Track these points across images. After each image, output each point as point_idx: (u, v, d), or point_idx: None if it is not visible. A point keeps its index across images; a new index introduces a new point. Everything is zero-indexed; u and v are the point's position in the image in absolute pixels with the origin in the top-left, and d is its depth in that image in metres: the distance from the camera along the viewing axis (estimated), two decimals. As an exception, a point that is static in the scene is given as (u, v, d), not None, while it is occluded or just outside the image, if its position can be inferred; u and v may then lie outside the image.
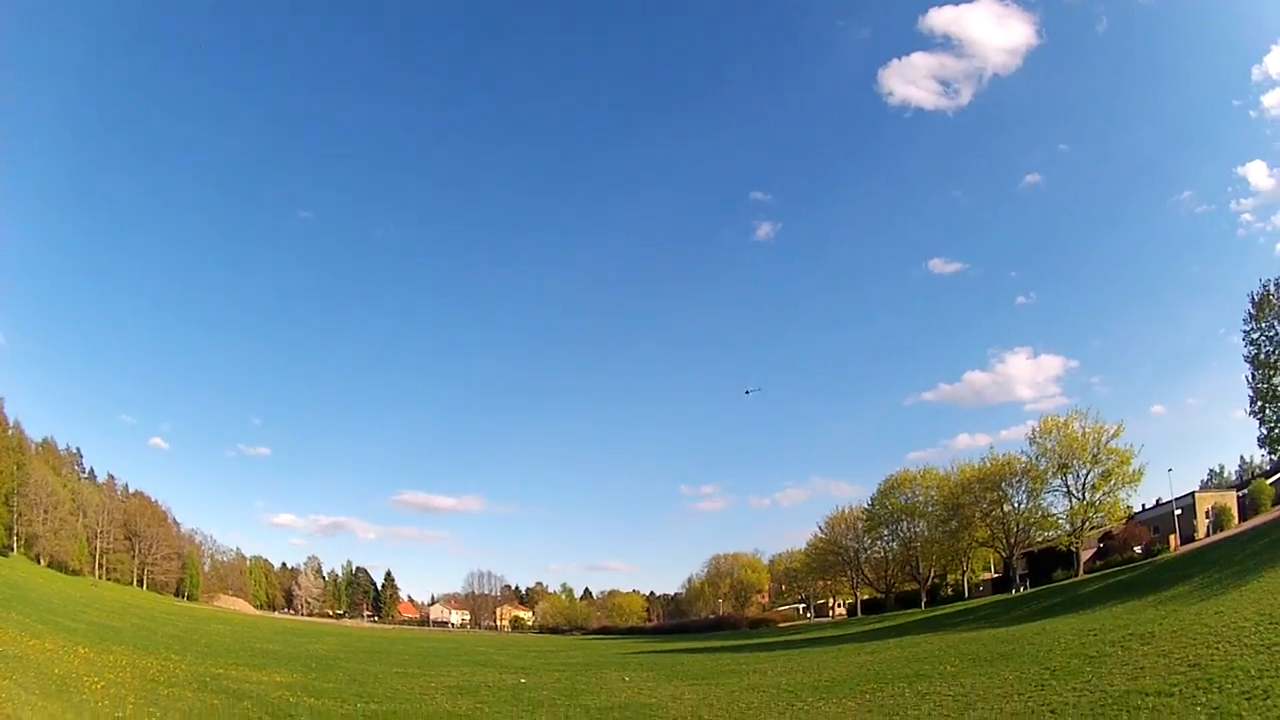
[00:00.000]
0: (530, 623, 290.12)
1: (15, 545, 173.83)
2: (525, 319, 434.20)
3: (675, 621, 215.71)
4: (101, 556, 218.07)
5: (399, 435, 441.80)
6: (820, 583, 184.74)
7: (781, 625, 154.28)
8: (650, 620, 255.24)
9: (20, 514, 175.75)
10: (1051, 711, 26.49)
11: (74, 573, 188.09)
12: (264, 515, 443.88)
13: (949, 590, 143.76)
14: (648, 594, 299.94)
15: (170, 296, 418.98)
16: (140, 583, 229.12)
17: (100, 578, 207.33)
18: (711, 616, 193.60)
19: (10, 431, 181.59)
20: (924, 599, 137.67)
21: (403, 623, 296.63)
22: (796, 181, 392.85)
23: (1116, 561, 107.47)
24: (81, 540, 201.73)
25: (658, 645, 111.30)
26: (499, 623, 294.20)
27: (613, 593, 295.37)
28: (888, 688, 37.15)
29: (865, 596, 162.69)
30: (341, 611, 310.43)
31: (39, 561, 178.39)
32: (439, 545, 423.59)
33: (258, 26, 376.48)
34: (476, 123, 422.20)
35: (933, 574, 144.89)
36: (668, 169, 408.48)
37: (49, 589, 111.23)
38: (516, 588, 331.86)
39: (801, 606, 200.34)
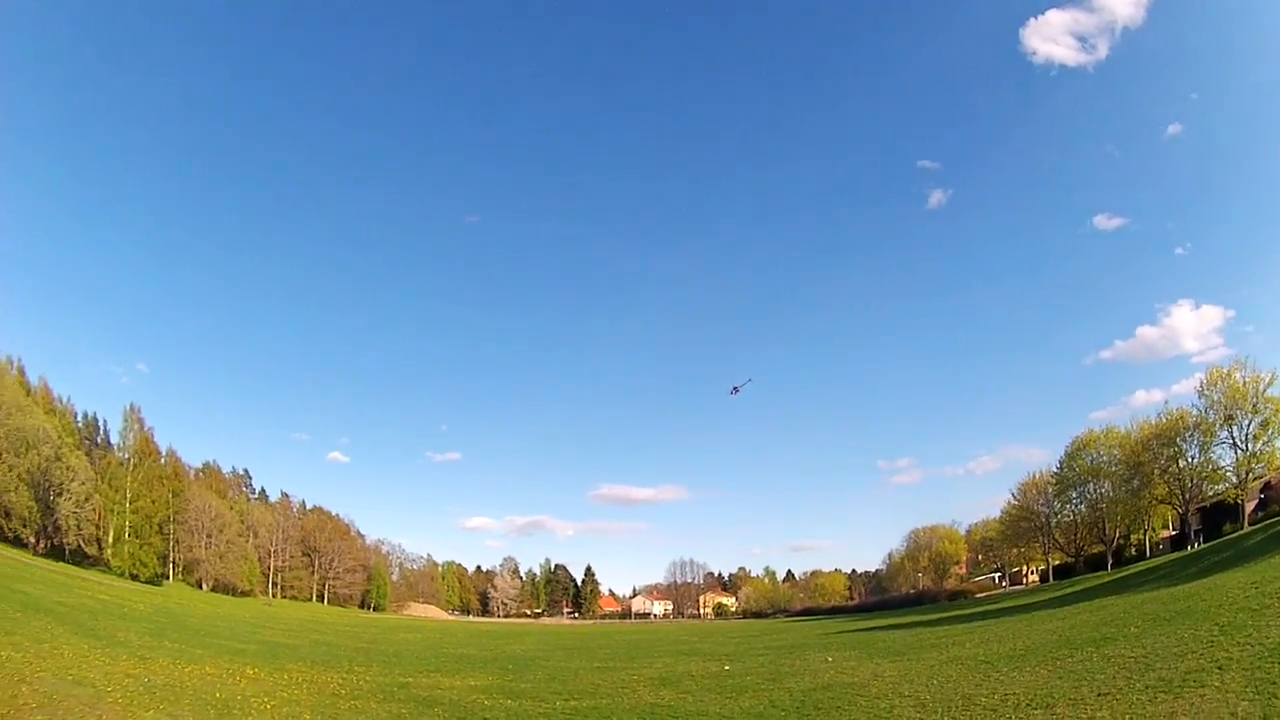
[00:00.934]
0: (733, 608, 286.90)
1: (172, 573, 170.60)
2: (709, 304, 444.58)
3: (876, 598, 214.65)
4: (276, 575, 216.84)
5: (594, 431, 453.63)
6: (1014, 550, 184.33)
7: (979, 595, 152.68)
8: (852, 598, 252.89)
9: (178, 541, 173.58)
10: (1219, 668, 27.45)
11: (244, 594, 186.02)
12: (456, 520, 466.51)
13: (1132, 550, 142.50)
14: (849, 572, 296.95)
15: (338, 313, 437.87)
16: (320, 598, 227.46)
17: (275, 596, 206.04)
18: (911, 591, 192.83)
19: (164, 460, 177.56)
20: (1109, 560, 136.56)
21: (604, 617, 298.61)
22: (961, 148, 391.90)
23: (1275, 512, 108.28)
24: (252, 561, 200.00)
25: (859, 623, 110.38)
26: (702, 610, 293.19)
27: (815, 573, 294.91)
28: (1077, 653, 37.71)
29: (1056, 562, 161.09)
30: (540, 610, 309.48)
31: (201, 586, 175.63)
32: (639, 537, 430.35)
33: (432, 46, 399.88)
34: (633, 113, 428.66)
35: (1117, 535, 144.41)
36: (837, 145, 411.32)
37: (212, 612, 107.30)
38: (719, 574, 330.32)
39: (997, 575, 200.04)
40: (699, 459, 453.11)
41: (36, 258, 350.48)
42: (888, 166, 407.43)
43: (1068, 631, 47.91)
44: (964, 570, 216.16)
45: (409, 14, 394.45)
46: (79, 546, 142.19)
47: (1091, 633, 44.45)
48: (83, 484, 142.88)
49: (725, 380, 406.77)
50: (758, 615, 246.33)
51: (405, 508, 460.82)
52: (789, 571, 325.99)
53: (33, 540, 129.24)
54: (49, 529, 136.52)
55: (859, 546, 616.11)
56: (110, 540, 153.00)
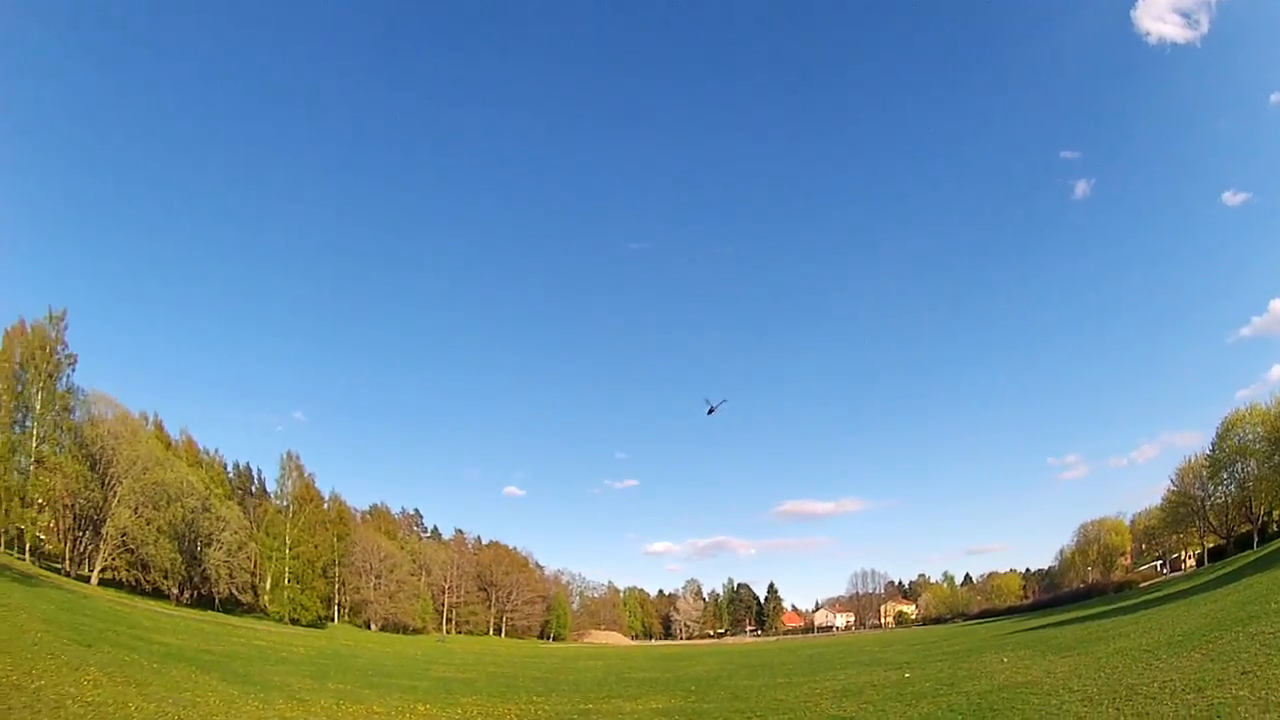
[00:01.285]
0: (913, 615, 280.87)
1: (337, 615, 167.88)
2: (874, 316, 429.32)
3: (1049, 595, 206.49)
4: (450, 611, 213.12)
5: (773, 448, 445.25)
6: (1174, 536, 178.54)
7: (1142, 585, 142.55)
8: (1026, 597, 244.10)
9: (344, 583, 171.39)
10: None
11: (415, 632, 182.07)
12: (637, 546, 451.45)
13: (1275, 526, 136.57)
14: (1023, 571, 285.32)
15: (506, 350, 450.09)
16: (498, 631, 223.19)
17: (449, 632, 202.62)
18: (1081, 585, 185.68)
19: (327, 504, 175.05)
20: (1255, 539, 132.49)
21: (786, 633, 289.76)
22: (1098, 135, 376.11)
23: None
24: (425, 598, 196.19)
25: (1032, 622, 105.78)
26: (883, 620, 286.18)
27: (991, 574, 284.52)
28: (1226, 634, 37.22)
29: (1210, 545, 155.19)
30: (723, 630, 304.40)
31: (369, 627, 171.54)
32: (820, 551, 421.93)
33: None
34: (780, 122, 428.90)
35: (1263, 512, 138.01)
36: (981, 143, 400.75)
37: (380, 651, 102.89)
38: (899, 582, 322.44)
39: (1159, 563, 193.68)
40: (877, 469, 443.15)
41: (181, 311, 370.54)
42: (1032, 160, 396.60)
43: (1218, 614, 48.15)
44: (1129, 560, 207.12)
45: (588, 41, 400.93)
46: (231, 595, 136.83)
47: (1238, 612, 45.28)
48: (235, 533, 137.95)
49: (894, 388, 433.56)
50: (937, 621, 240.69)
51: (585, 537, 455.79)
52: (966, 575, 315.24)
53: (175, 592, 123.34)
54: (195, 579, 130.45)
55: (1033, 545, 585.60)
56: (267, 587, 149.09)
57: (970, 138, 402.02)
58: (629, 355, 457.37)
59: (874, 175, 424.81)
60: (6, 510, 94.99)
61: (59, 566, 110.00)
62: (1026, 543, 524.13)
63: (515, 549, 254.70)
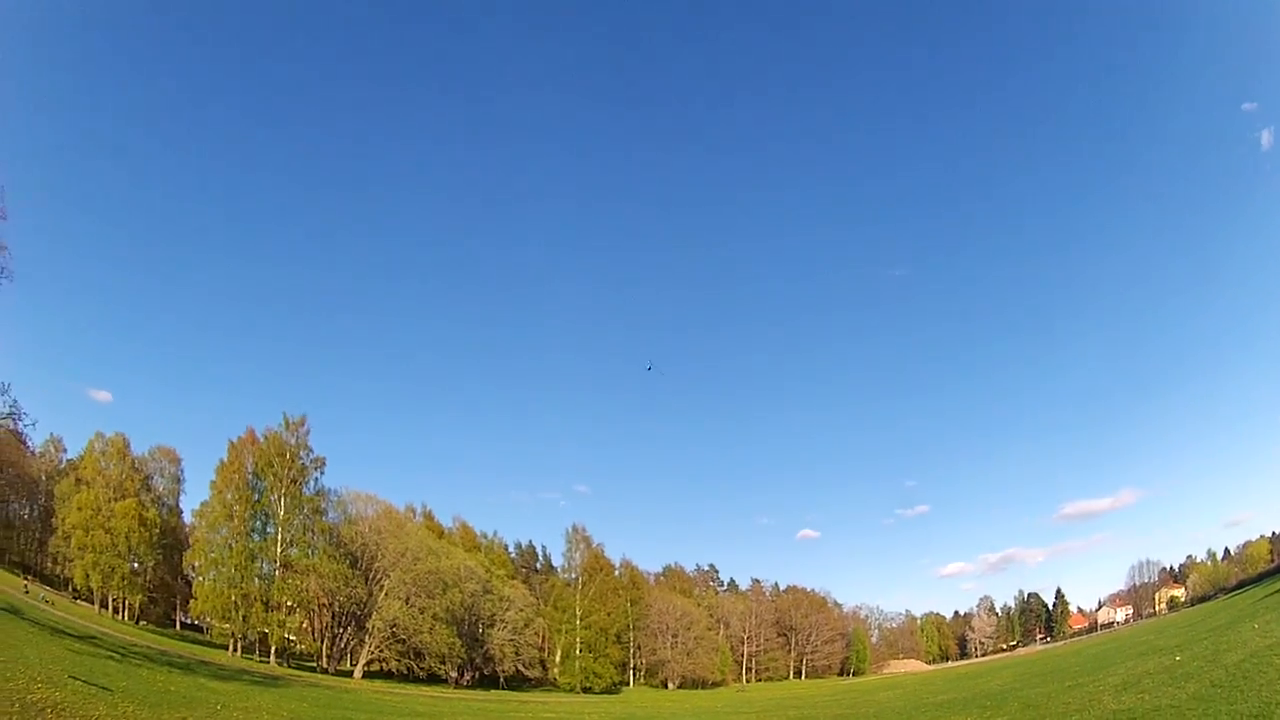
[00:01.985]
0: (1182, 598, 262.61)
1: (632, 678, 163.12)
2: (1111, 301, 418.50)
3: None
4: (750, 660, 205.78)
5: (1051, 450, 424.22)
6: None
7: None
8: (1273, 561, 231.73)
9: (639, 646, 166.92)
10: None
11: (714, 685, 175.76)
12: (931, 570, 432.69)
13: None
14: (1270, 535, 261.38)
15: (786, 395, 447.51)
16: (797, 674, 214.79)
17: (749, 681, 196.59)
18: None
19: (618, 572, 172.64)
20: None
21: (1072, 636, 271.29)
22: (1274, 82, 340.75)
23: None
24: (723, 651, 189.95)
25: (1276, 585, 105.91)
26: (1156, 607, 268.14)
27: (1245, 545, 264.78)
28: None
29: None
30: (1015, 642, 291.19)
31: (666, 686, 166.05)
32: (1102, 548, 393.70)
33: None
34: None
35: None
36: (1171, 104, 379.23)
37: (678, 709, 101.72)
38: (1170, 567, 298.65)
39: None
40: (1144, 456, 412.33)
41: (453, 402, 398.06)
42: (1215, 111, 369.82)
43: None
44: None
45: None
46: (517, 671, 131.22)
47: None
48: (520, 611, 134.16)
49: (1150, 374, 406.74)
50: (1203, 600, 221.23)
51: (880, 569, 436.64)
52: (1226, 549, 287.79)
53: (455, 675, 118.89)
54: (476, 661, 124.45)
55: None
56: (557, 659, 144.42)
57: (1157, 103, 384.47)
58: (912, 383, 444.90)
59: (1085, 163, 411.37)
60: (245, 615, 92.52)
61: (313, 665, 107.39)
62: (1275, 506, 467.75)
63: (813, 590, 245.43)
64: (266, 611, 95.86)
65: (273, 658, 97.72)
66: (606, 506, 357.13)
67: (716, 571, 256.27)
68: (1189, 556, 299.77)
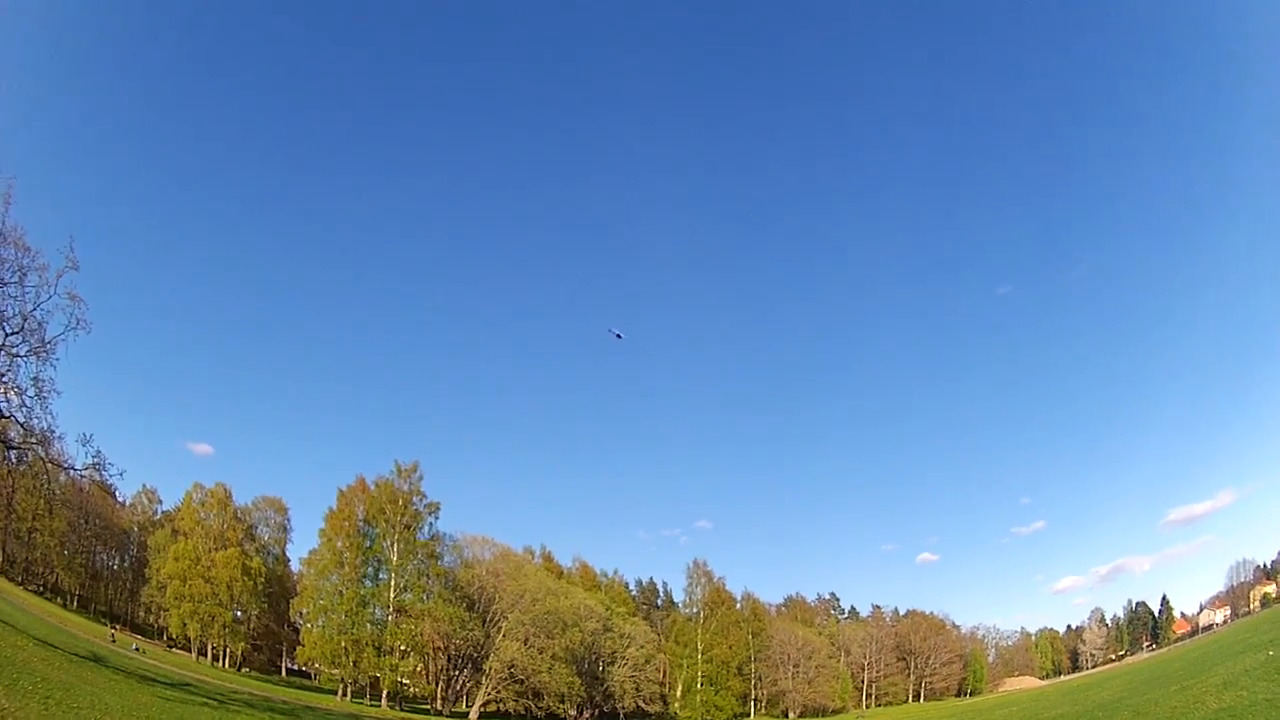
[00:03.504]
0: (1274, 594, 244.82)
1: (753, 710, 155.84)
2: (1209, 300, 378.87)
3: None
4: (870, 686, 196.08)
5: (1153, 455, 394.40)
6: None
7: None
8: None
9: (760, 677, 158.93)
10: None
11: (835, 712, 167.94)
12: (1045, 586, 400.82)
13: None
14: None
15: (905, 421, 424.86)
16: (917, 696, 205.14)
17: (869, 706, 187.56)
18: None
19: (740, 605, 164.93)
20: None
21: (1176, 641, 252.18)
22: None
23: None
24: (844, 678, 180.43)
25: None
26: (1250, 605, 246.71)
27: None
28: None
29: None
30: (1123, 652, 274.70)
31: (787, 715, 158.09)
32: (1206, 551, 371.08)
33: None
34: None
35: None
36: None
37: None
38: (1264, 565, 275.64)
39: None
40: (1241, 455, 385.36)
41: (565, 448, 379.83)
42: None
43: None
44: None
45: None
46: (637, 707, 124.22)
47: None
48: (641, 648, 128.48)
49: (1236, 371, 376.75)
50: None
51: (995, 587, 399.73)
52: None
53: (574, 714, 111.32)
54: (596, 698, 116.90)
55: None
56: (678, 694, 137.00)
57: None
58: (1023, 400, 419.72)
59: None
60: (356, 661, 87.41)
61: (426, 708, 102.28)
62: None
63: (932, 614, 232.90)
64: (378, 656, 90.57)
65: (384, 701, 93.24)
66: (728, 540, 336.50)
67: (837, 599, 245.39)
68: None
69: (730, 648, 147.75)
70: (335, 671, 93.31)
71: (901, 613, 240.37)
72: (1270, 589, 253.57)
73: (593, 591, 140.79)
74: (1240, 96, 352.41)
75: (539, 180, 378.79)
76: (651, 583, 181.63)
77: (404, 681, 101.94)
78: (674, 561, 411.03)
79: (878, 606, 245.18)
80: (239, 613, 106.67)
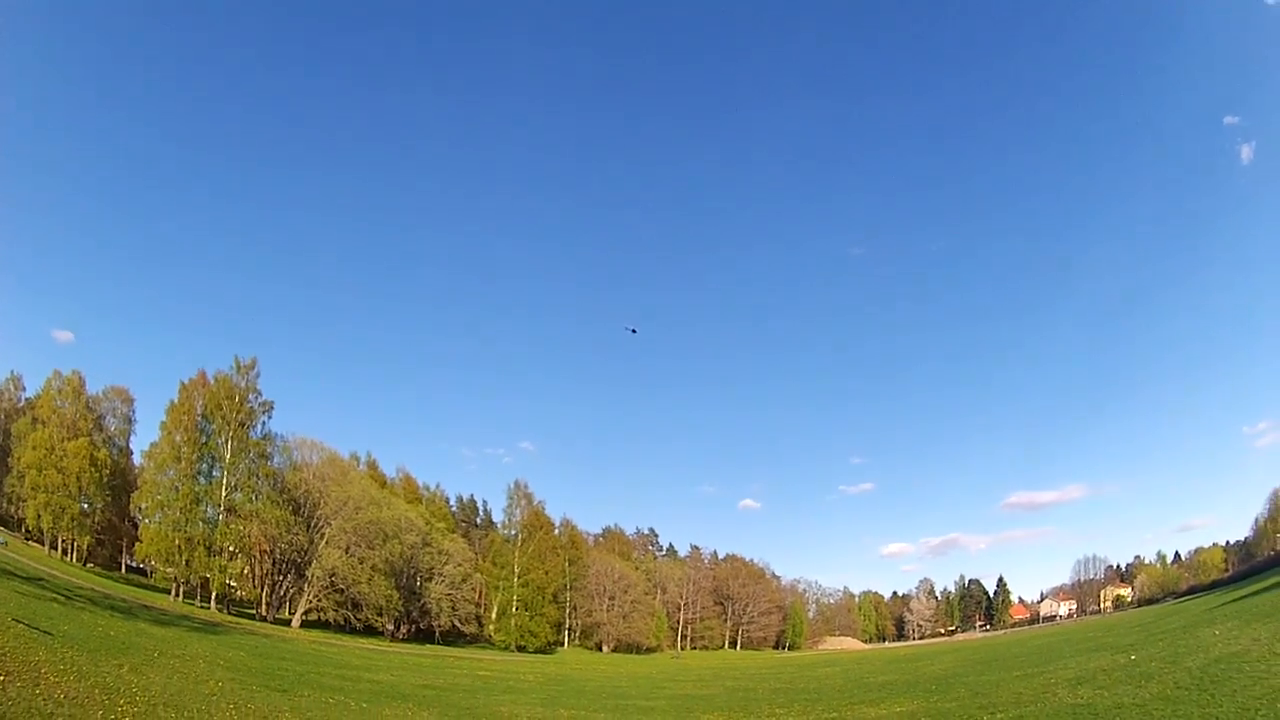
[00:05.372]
0: (1129, 598, 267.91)
1: (567, 639, 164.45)
2: (1077, 299, 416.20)
3: (1244, 566, 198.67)
4: (685, 628, 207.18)
5: (1001, 441, 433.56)
6: None
7: None
8: (1227, 570, 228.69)
9: (575, 607, 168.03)
10: None
11: (649, 650, 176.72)
12: (872, 549, 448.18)
13: None
14: (1224, 544, 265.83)
15: (738, 364, 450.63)
16: (733, 644, 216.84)
17: (684, 648, 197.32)
18: (1272, 553, 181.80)
19: (558, 531, 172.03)
20: None
21: (1013, 625, 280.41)
22: (1253, 97, 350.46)
23: None
24: (660, 617, 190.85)
25: (1234, 594, 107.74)
26: (1101, 605, 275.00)
27: (1197, 551, 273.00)
28: None
29: None
30: (954, 627, 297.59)
31: (601, 649, 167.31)
32: (1047, 540, 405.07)
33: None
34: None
35: None
36: (1153, 114, 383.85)
37: (614, 673, 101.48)
38: (1117, 566, 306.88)
39: None
40: (1094, 454, 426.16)
41: (404, 353, 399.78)
42: (1197, 124, 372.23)
43: None
44: None
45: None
46: (453, 627, 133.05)
47: None
48: (458, 565, 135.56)
49: (1103, 375, 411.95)
50: (1151, 602, 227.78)
51: (820, 544, 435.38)
52: (1176, 553, 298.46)
53: (391, 628, 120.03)
54: (413, 614, 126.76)
55: (1234, 517, 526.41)
56: (493, 616, 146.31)
57: (1139, 112, 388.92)
58: (862, 360, 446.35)
59: (1063, 166, 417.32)
60: (188, 560, 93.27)
61: (252, 612, 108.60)
62: (1230, 515, 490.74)
63: (752, 561, 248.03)
64: (209, 557, 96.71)
65: (213, 604, 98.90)
66: (551, 465, 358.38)
67: (656, 536, 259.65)
68: (1137, 557, 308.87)
69: (547, 574, 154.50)
70: (169, 570, 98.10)
71: (721, 556, 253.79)
72: (1125, 592, 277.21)
73: (414, 504, 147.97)
74: (1098, 88, 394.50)
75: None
76: (472, 500, 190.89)
77: (232, 584, 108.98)
78: (496, 481, 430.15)
79: (696, 547, 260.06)
80: (86, 505, 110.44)
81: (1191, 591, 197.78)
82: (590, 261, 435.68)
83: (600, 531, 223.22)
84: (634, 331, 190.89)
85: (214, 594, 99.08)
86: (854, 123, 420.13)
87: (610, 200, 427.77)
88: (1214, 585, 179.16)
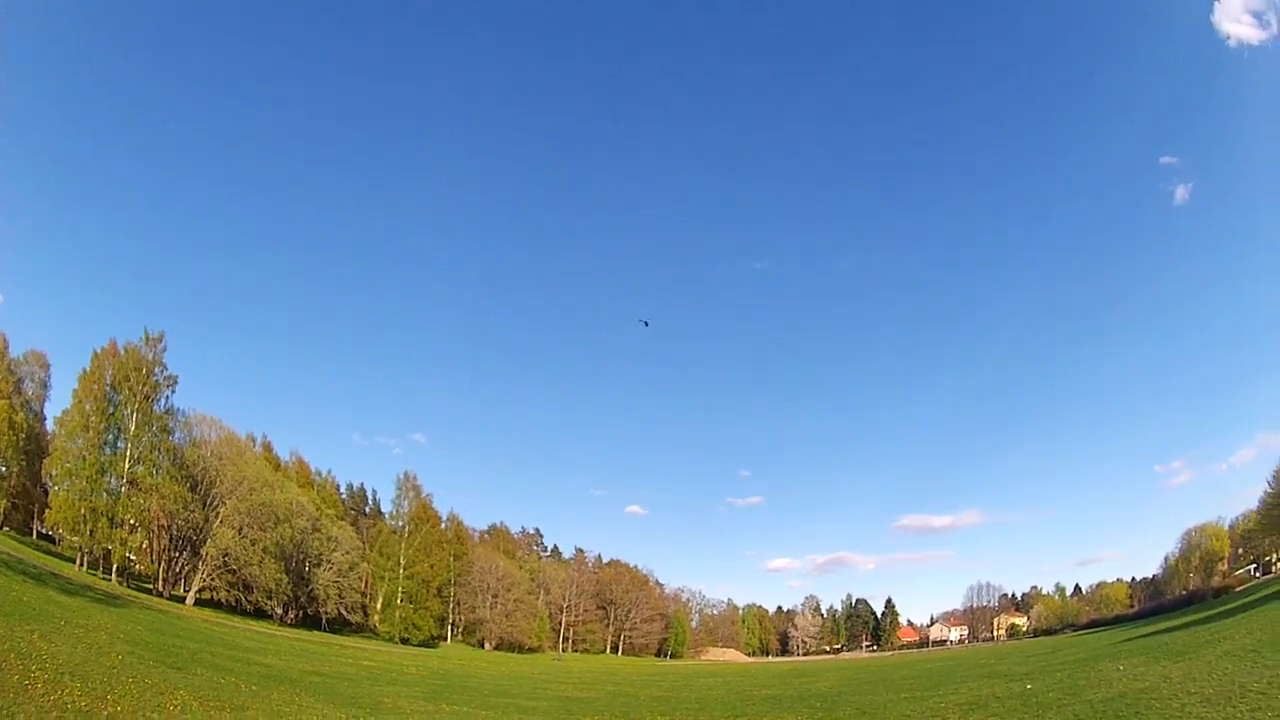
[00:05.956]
0: (1025, 628, 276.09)
1: (450, 634, 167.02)
2: (989, 328, 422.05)
3: (1153, 604, 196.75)
4: (567, 630, 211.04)
5: (895, 463, 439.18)
6: (1267, 540, 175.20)
7: (1238, 589, 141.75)
8: (1132, 606, 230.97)
9: (459, 602, 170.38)
10: None
11: (531, 650, 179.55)
12: (758, 563, 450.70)
13: None
14: (1130, 580, 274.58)
15: (633, 367, 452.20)
16: (614, 649, 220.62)
17: (566, 651, 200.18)
18: (1183, 593, 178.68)
19: (445, 525, 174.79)
20: None
21: (901, 647, 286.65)
22: (1194, 139, 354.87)
23: None
24: (542, 617, 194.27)
25: (1140, 630, 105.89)
26: (995, 633, 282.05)
27: (1100, 585, 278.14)
28: None
29: None
30: (840, 645, 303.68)
31: (483, 646, 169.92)
32: (939, 564, 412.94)
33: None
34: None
35: None
36: (1088, 152, 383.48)
37: (496, 671, 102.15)
38: (1012, 595, 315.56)
39: (1252, 567, 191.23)
40: (995, 482, 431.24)
41: (300, 337, 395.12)
42: (1133, 166, 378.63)
43: None
44: (1226, 566, 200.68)
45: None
46: (340, 615, 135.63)
47: None
48: (346, 553, 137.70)
49: (1010, 400, 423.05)
50: (1048, 633, 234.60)
51: (706, 554, 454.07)
52: (1076, 586, 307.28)
53: (280, 612, 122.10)
54: (301, 599, 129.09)
55: (1142, 554, 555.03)
56: (379, 607, 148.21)
57: (1075, 148, 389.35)
58: (753, 373, 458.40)
59: (983, 191, 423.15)
60: (92, 530, 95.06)
61: (150, 587, 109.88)
62: (1136, 552, 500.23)
63: (636, 567, 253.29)
64: (112, 528, 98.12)
65: (115, 576, 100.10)
66: (441, 458, 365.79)
67: (541, 536, 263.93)
68: (1034, 587, 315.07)
69: (432, 567, 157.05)
70: (75, 539, 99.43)
71: (605, 560, 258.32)
72: (1021, 621, 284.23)
73: (306, 489, 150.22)
74: (1032, 117, 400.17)
75: None
76: (362, 489, 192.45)
77: (131, 558, 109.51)
78: (386, 471, 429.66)
79: (581, 550, 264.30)
80: (3, 469, 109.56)
81: (1093, 625, 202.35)
82: (499, 259, 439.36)
83: (486, 528, 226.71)
84: (646, 324, 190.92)
85: (115, 566, 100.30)
86: (762, 137, 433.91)
87: (522, 197, 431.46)
88: (1118, 620, 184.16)
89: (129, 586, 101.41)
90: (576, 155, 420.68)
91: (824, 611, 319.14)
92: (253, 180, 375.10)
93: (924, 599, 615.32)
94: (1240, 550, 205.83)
